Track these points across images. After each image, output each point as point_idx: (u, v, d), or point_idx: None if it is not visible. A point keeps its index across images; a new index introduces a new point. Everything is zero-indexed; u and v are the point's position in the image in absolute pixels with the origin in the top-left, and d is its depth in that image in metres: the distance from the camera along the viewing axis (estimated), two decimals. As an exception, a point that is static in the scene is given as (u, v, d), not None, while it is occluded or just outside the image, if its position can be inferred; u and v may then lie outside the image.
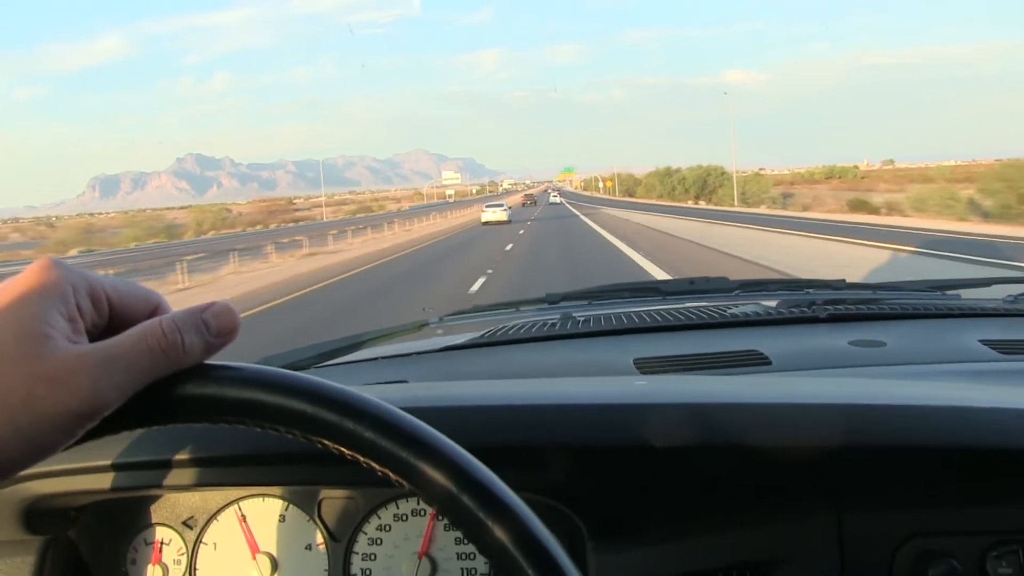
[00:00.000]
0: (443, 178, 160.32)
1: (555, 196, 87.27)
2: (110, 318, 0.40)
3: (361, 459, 0.38)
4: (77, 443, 0.37)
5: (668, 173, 68.63)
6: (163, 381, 0.38)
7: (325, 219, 72.85)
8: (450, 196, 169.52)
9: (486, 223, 35.15)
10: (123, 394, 0.37)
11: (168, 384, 0.38)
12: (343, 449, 0.38)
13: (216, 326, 0.39)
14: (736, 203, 45.30)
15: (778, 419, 0.70)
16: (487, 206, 38.61)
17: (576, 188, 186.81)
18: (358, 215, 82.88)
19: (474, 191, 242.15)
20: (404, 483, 0.37)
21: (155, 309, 0.41)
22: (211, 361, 0.40)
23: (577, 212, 45.88)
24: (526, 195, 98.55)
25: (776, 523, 0.70)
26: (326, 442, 0.38)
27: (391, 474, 0.38)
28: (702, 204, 52.29)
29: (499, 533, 0.36)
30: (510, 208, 41.37)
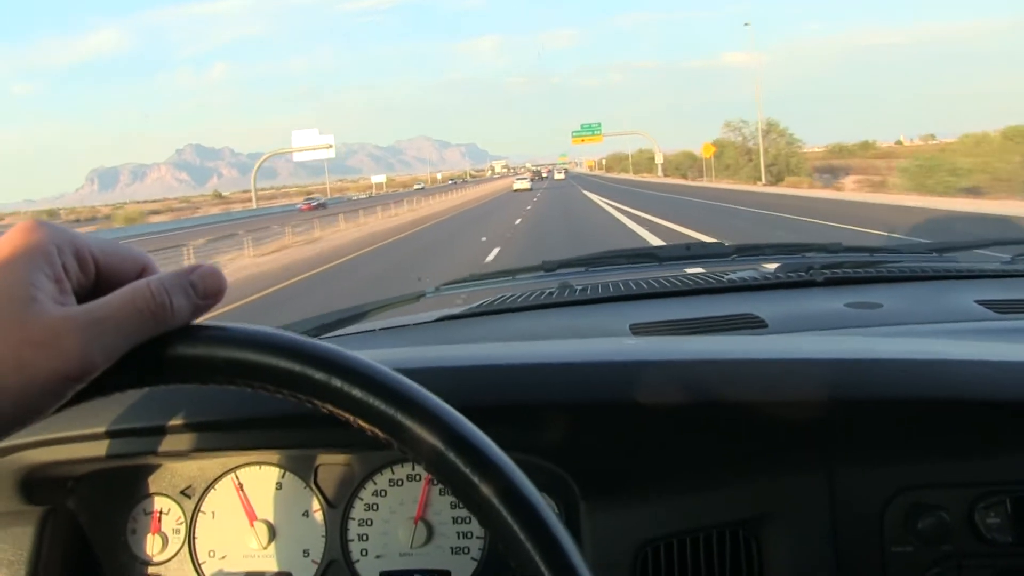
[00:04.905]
0: (291, 142, 57.97)
1: (559, 174, 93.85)
2: (97, 278, 0.39)
3: (350, 418, 0.38)
4: (66, 405, 0.37)
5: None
6: (153, 342, 0.38)
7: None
8: (379, 186, 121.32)
9: (516, 190, 51.51)
10: (111, 356, 0.36)
11: (158, 345, 0.38)
12: (332, 408, 0.38)
13: (203, 288, 0.39)
14: None
15: (767, 375, 0.70)
16: (517, 178, 59.12)
17: (590, 167, 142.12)
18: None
19: (439, 176, 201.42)
20: (392, 441, 0.37)
21: (143, 269, 0.40)
22: (200, 321, 0.39)
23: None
24: (534, 172, 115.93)
25: (768, 479, 0.70)
26: (315, 401, 0.38)
27: (379, 432, 0.37)
28: None
29: (485, 489, 0.36)
30: (531, 180, 63.59)
